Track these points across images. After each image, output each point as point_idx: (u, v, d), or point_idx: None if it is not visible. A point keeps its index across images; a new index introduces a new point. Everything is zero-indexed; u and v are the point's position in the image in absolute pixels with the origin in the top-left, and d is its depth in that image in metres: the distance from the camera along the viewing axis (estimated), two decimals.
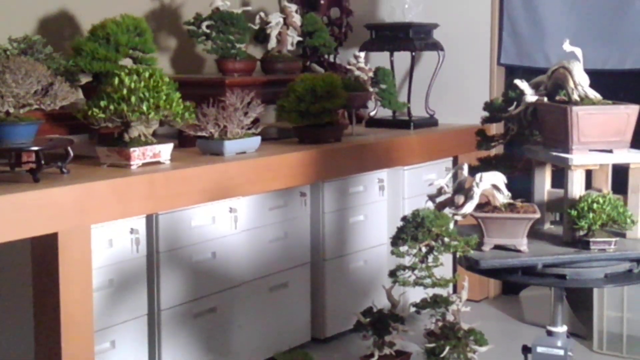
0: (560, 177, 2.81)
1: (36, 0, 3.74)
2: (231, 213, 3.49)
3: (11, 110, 2.79)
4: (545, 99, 2.88)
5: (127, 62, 3.45)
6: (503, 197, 2.70)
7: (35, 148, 2.82)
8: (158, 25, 4.23)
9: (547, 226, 2.92)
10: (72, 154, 2.91)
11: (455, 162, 4.48)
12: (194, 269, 3.38)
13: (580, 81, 2.77)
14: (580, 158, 2.71)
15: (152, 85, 3.07)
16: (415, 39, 4.41)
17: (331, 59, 4.67)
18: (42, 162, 2.81)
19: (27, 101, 2.81)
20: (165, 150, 3.20)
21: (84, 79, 3.47)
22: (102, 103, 3.03)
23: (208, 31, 3.89)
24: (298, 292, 3.89)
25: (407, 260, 2.59)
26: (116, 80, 3.05)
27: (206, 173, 3.21)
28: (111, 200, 2.89)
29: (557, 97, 2.88)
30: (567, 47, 2.83)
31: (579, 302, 4.17)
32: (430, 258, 2.57)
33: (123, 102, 3.02)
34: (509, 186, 2.73)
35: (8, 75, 2.77)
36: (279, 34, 4.20)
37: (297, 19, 4.25)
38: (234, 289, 3.55)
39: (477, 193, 2.66)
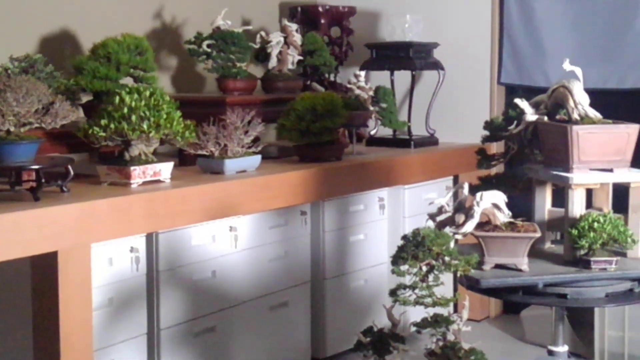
0: (560, 196, 2.81)
1: (37, 19, 3.76)
2: (231, 232, 3.49)
3: (12, 129, 2.79)
4: (546, 118, 2.89)
5: (128, 80, 3.46)
6: (504, 216, 2.70)
7: (36, 167, 2.82)
8: (159, 44, 4.24)
9: (548, 245, 2.92)
10: (72, 172, 2.91)
11: (455, 181, 4.48)
12: (194, 288, 3.37)
13: (580, 100, 2.77)
14: (580, 177, 2.71)
15: (152, 104, 3.08)
16: (416, 58, 4.42)
17: (332, 78, 4.68)
18: (43, 180, 2.81)
19: (28, 120, 2.82)
20: (165, 169, 3.20)
21: (85, 98, 3.47)
22: (103, 122, 3.04)
23: (209, 50, 3.90)
24: (298, 311, 3.88)
25: (407, 279, 2.58)
26: (117, 99, 3.06)
27: (206, 192, 3.21)
28: (111, 219, 2.89)
29: (558, 116, 2.89)
30: (567, 66, 2.83)
31: (580, 321, 4.16)
32: (431, 277, 2.56)
33: (124, 121, 3.02)
34: (509, 205, 2.73)
35: (9, 94, 2.78)
36: (280, 53, 4.21)
37: (297, 38, 4.26)
38: (234, 308, 3.54)
39: (477, 212, 2.66)
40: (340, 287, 4.03)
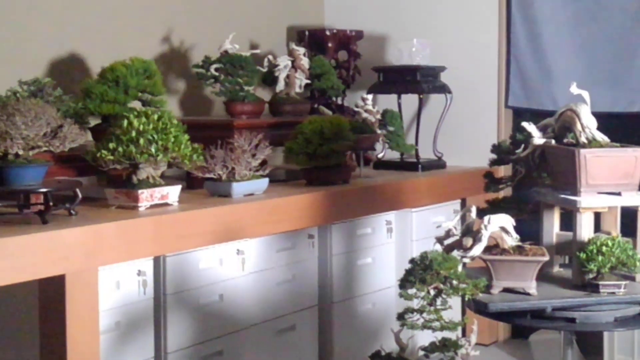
0: (568, 220, 2.80)
1: (46, 43, 3.78)
2: (239, 255, 3.48)
3: (20, 152, 2.81)
4: (553, 142, 2.88)
5: (136, 104, 3.47)
6: (511, 240, 2.69)
7: (44, 190, 2.83)
8: (167, 67, 4.26)
9: (556, 269, 2.91)
10: (80, 195, 2.92)
11: (463, 204, 4.47)
12: (201, 312, 3.36)
13: (587, 124, 2.77)
14: (588, 200, 2.70)
15: (160, 127, 3.08)
16: (423, 82, 4.43)
17: (339, 101, 4.69)
18: (51, 203, 2.82)
19: (37, 143, 2.83)
20: (173, 192, 3.20)
21: (93, 121, 3.49)
22: (111, 145, 3.05)
23: (217, 74, 3.91)
24: (306, 335, 3.87)
25: (415, 303, 2.57)
26: (125, 123, 3.07)
27: (214, 215, 3.21)
28: (119, 242, 2.89)
29: (565, 140, 2.88)
30: (574, 89, 2.83)
31: (589, 346, 4.14)
32: (439, 301, 2.55)
33: (132, 144, 3.03)
34: (517, 229, 2.72)
35: (18, 118, 2.79)
36: (287, 76, 4.23)
37: (305, 62, 4.28)
38: (242, 332, 3.53)
39: (485, 235, 2.65)
40: (348, 310, 4.01)
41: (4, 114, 2.80)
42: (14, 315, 3.05)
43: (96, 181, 3.60)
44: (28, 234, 2.65)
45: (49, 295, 2.79)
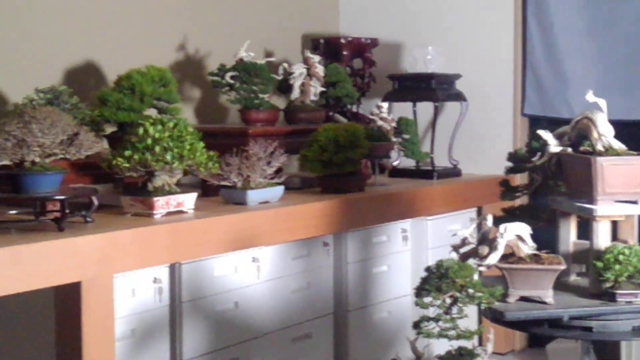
0: (585, 228, 2.79)
1: (62, 51, 3.80)
2: (254, 263, 3.48)
3: (37, 160, 2.82)
4: (570, 150, 2.87)
5: (152, 112, 3.48)
6: (528, 248, 2.68)
7: (60, 197, 2.84)
8: (182, 75, 4.27)
9: (573, 278, 2.89)
10: (96, 203, 2.93)
11: (479, 212, 4.45)
12: (216, 319, 3.36)
13: (604, 132, 2.76)
14: (605, 209, 2.68)
15: (176, 135, 3.09)
16: (438, 90, 4.42)
17: (354, 109, 4.69)
18: (67, 211, 2.83)
19: (53, 151, 2.84)
20: (188, 200, 3.21)
21: (109, 129, 3.50)
22: (127, 153, 3.06)
23: (232, 82, 3.92)
24: (321, 343, 3.86)
25: (431, 312, 2.56)
26: (141, 130, 3.08)
27: (229, 222, 3.21)
28: (134, 250, 2.90)
29: (581, 148, 2.87)
30: (590, 97, 2.82)
31: (607, 355, 4.11)
32: (455, 309, 2.54)
33: (147, 152, 3.04)
34: (533, 237, 2.71)
35: (34, 125, 2.80)
36: (302, 84, 4.23)
37: (320, 70, 4.28)
38: (257, 340, 3.52)
39: (501, 244, 2.64)
40: (364, 319, 4.00)
41: (20, 121, 2.81)
42: (30, 322, 3.06)
43: (112, 189, 3.61)
44: (44, 241, 2.66)
45: (65, 303, 2.80)
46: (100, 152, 3.13)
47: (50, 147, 2.82)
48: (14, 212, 3.02)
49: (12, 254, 2.57)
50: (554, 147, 2.91)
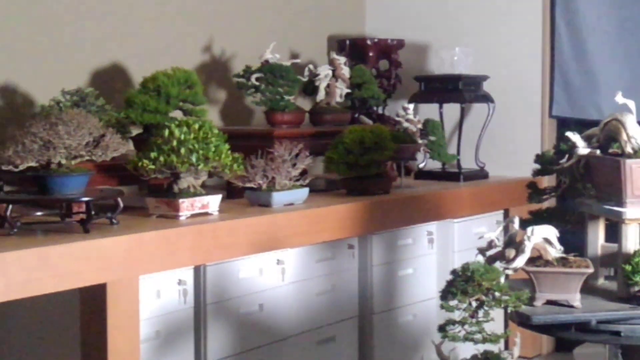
0: (614, 231, 2.76)
1: (89, 53, 3.82)
2: (279, 265, 3.48)
3: (63, 162, 2.83)
4: (598, 152, 2.84)
5: (178, 114, 3.49)
6: (555, 251, 2.65)
7: (86, 199, 2.85)
8: (208, 77, 4.28)
9: (601, 281, 2.85)
10: (122, 204, 2.94)
11: (506, 215, 4.43)
12: (241, 321, 3.36)
13: (633, 134, 2.72)
14: (634, 212, 2.65)
15: (201, 137, 3.10)
16: (465, 91, 4.40)
17: (380, 110, 4.67)
18: (93, 212, 2.84)
19: (79, 152, 2.85)
20: (213, 202, 3.21)
21: (135, 131, 3.51)
22: (152, 154, 3.06)
23: (257, 83, 3.92)
24: (346, 346, 3.85)
25: (457, 315, 2.54)
26: (166, 132, 3.08)
27: (254, 224, 3.21)
28: (160, 251, 2.90)
29: (610, 150, 2.84)
30: (619, 99, 2.79)
31: (635, 359, 4.06)
32: (481, 313, 2.52)
33: (173, 154, 3.05)
34: (561, 240, 2.68)
35: (61, 127, 2.82)
36: (328, 86, 4.22)
37: (345, 71, 4.27)
38: (281, 342, 3.52)
39: (528, 247, 2.61)
40: (389, 322, 3.99)
41: (47, 123, 2.83)
42: (55, 324, 3.08)
43: (137, 190, 3.62)
44: (70, 242, 2.67)
45: (91, 304, 2.81)
46: (126, 154, 3.14)
47: (76, 148, 2.84)
48: (40, 213, 3.04)
49: (39, 256, 2.59)
50: (582, 149, 2.88)
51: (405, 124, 4.06)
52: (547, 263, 2.63)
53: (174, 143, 3.05)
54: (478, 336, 2.52)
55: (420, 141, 4.13)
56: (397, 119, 4.11)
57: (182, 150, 3.04)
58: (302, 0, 4.77)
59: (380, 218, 3.73)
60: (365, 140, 3.67)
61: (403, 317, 4.05)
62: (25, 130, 2.83)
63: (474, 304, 2.51)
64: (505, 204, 4.40)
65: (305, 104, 4.37)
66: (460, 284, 2.50)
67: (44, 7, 3.66)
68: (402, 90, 4.79)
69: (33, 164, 2.80)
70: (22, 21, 3.60)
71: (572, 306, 2.60)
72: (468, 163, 4.49)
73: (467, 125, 4.51)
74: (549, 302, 2.62)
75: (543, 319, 2.56)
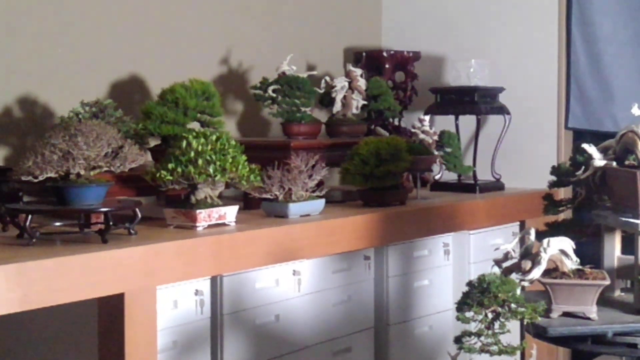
0: (630, 243, 2.75)
1: (107, 65, 3.85)
2: (295, 276, 3.49)
3: (82, 172, 2.85)
4: (614, 164, 2.84)
5: (195, 125, 3.51)
6: (571, 263, 2.65)
7: (104, 209, 2.87)
8: (225, 89, 4.30)
9: (618, 293, 2.85)
10: (139, 215, 2.95)
11: (522, 226, 4.42)
12: (257, 332, 3.37)
13: None
14: None
15: (218, 148, 3.11)
16: (481, 103, 4.40)
17: (396, 122, 4.68)
18: (111, 223, 2.86)
19: (98, 163, 2.87)
20: (230, 212, 3.22)
21: (153, 142, 3.54)
22: (170, 165, 3.08)
23: (274, 95, 3.94)
24: (362, 357, 3.85)
25: (472, 327, 2.54)
26: (184, 143, 3.10)
27: (270, 235, 3.22)
28: (177, 262, 2.92)
29: (626, 162, 2.84)
30: (635, 111, 2.79)
31: None
32: (497, 324, 2.52)
33: (190, 165, 3.07)
34: (577, 252, 2.68)
35: (80, 138, 2.84)
36: (344, 97, 4.23)
37: (362, 83, 4.28)
38: (297, 353, 3.52)
39: (544, 258, 2.62)
40: (405, 333, 3.99)
41: (66, 134, 2.86)
42: (73, 334, 3.10)
43: (155, 201, 3.64)
44: (88, 252, 2.69)
45: (108, 314, 2.82)
46: (144, 165, 3.16)
47: (95, 159, 2.86)
48: (59, 223, 3.06)
49: (57, 266, 2.61)
50: (599, 160, 2.88)
51: (421, 136, 4.07)
52: (563, 275, 2.63)
53: (192, 154, 3.07)
54: (494, 348, 2.52)
55: (436, 153, 4.13)
56: (413, 130, 4.12)
57: (200, 162, 3.06)
58: (318, 13, 4.79)
59: (396, 229, 3.74)
60: (381, 151, 3.68)
61: (419, 329, 4.05)
62: (45, 141, 2.86)
63: (490, 315, 2.51)
64: (521, 216, 4.39)
65: (321, 115, 4.39)
66: (476, 295, 2.50)
67: (63, 19, 3.70)
68: (418, 102, 4.79)
69: (52, 174, 2.82)
70: (42, 34, 3.63)
71: (588, 318, 2.60)
72: (484, 174, 4.49)
73: (483, 137, 4.51)
74: (565, 314, 2.62)
75: (559, 331, 2.56)
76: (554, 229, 3.03)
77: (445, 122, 4.59)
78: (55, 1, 3.68)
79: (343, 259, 3.72)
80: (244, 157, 3.17)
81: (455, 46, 4.85)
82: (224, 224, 3.20)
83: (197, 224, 3.10)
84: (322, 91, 4.24)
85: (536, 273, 2.61)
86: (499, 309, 2.51)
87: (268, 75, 4.00)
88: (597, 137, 3.42)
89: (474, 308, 2.50)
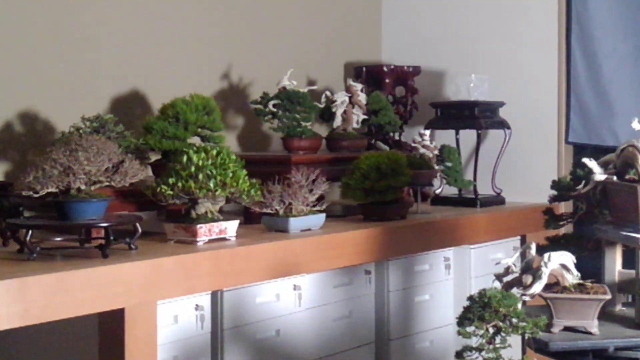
0: (631, 257, 2.75)
1: (108, 81, 3.86)
2: (295, 290, 3.48)
3: (82, 187, 2.86)
4: (615, 178, 2.84)
5: (196, 140, 3.52)
6: (572, 278, 2.65)
7: (105, 224, 2.87)
8: (226, 104, 4.31)
9: (619, 308, 2.85)
10: (140, 230, 2.95)
11: (523, 241, 4.41)
12: (257, 347, 3.36)
13: None
14: None
15: (219, 162, 3.12)
16: (481, 117, 4.41)
17: (396, 136, 4.69)
18: (111, 238, 2.86)
19: (98, 178, 2.88)
20: (231, 227, 3.22)
21: (154, 157, 3.54)
22: (171, 180, 3.09)
23: (274, 110, 3.94)
24: None
25: (474, 341, 2.54)
26: (184, 158, 3.11)
27: (271, 250, 3.22)
28: (177, 277, 2.92)
29: (627, 176, 2.84)
30: (636, 125, 2.79)
31: None
32: (498, 339, 2.51)
33: (191, 179, 3.07)
34: (578, 266, 2.68)
35: (80, 153, 2.85)
36: (345, 112, 4.24)
37: (362, 98, 4.29)
38: None
39: (545, 273, 2.61)
40: (406, 348, 3.98)
41: (67, 149, 2.86)
42: (74, 349, 3.09)
43: (156, 216, 3.64)
44: (89, 267, 2.69)
45: (109, 329, 2.82)
46: (145, 180, 3.16)
47: (95, 174, 2.87)
48: (59, 238, 3.06)
49: (58, 281, 2.61)
50: (599, 175, 2.88)
51: (422, 150, 4.07)
52: (565, 289, 2.63)
53: (192, 169, 3.08)
54: None
55: (436, 167, 4.13)
56: (413, 145, 4.12)
57: (200, 176, 3.06)
58: (319, 28, 4.80)
59: (397, 244, 3.73)
60: (381, 166, 3.68)
61: (420, 344, 4.04)
62: (46, 156, 2.86)
63: (491, 330, 2.51)
64: (522, 230, 4.39)
65: (322, 130, 4.39)
66: (478, 310, 2.50)
67: (64, 34, 3.71)
68: (419, 117, 4.80)
69: (53, 189, 2.82)
70: (43, 49, 3.64)
71: (589, 333, 2.59)
72: (484, 189, 4.49)
73: (484, 151, 4.51)
74: (567, 329, 2.62)
75: (560, 346, 2.56)
76: (554, 244, 3.03)
77: (446, 136, 4.59)
78: (57, 16, 3.69)
79: (344, 273, 3.72)
80: (244, 172, 3.18)
81: (455, 61, 4.86)
82: (224, 239, 3.20)
83: (198, 239, 3.10)
84: (322, 106, 4.24)
85: (537, 287, 2.61)
86: (500, 324, 2.50)
87: (268, 90, 4.01)
88: (597, 152, 3.42)
89: (475, 323, 2.49)
